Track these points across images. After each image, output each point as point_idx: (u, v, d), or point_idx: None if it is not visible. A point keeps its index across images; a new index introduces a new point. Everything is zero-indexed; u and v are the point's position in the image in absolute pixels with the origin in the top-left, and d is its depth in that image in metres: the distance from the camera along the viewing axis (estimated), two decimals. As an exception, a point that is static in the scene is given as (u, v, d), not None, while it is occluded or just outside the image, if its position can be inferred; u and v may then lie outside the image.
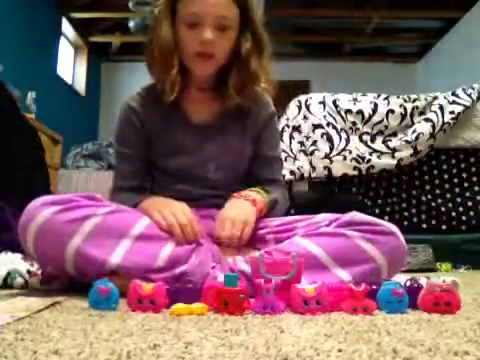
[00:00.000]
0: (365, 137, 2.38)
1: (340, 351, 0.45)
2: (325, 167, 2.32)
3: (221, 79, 1.12)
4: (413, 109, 2.38)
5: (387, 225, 0.92)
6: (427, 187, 2.43)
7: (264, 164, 1.20)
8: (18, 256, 1.13)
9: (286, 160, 2.34)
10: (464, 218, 2.34)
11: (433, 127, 2.28)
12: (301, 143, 2.42)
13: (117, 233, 0.87)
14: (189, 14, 1.02)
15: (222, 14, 1.01)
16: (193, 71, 1.09)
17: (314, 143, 2.36)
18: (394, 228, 0.93)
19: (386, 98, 2.43)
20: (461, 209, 2.36)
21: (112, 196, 1.15)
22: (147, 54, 1.10)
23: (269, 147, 1.21)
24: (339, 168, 2.31)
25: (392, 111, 2.38)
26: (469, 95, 2.34)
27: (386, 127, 2.38)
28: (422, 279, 1.10)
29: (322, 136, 2.34)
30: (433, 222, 2.37)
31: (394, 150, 2.30)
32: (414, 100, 2.41)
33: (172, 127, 1.13)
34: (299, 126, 2.43)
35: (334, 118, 2.40)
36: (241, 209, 1.01)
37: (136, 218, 0.93)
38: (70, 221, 0.84)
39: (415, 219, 2.40)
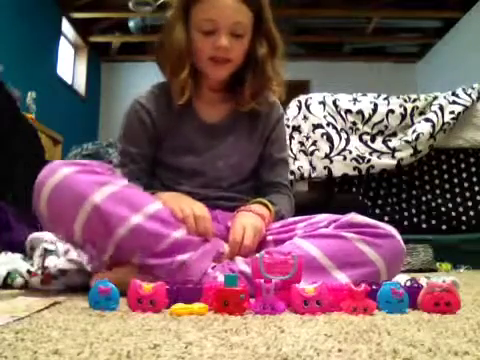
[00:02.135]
0: (365, 137, 2.38)
1: (340, 351, 0.45)
2: (325, 167, 2.33)
3: (234, 81, 1.12)
4: (413, 109, 2.38)
5: (386, 227, 0.92)
6: (427, 187, 2.43)
7: (270, 166, 1.20)
8: (18, 256, 1.13)
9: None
10: (464, 218, 2.34)
11: (433, 127, 2.28)
12: (301, 143, 2.42)
13: (132, 206, 0.87)
14: (203, 20, 1.01)
15: (236, 20, 1.01)
16: (207, 75, 1.10)
17: (314, 143, 2.36)
18: (393, 230, 0.92)
19: (386, 98, 2.43)
20: (461, 209, 2.36)
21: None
22: (159, 55, 1.11)
23: (277, 149, 1.21)
24: (339, 168, 2.31)
25: (392, 111, 2.38)
26: (469, 95, 2.35)
27: (386, 127, 2.38)
28: (422, 279, 1.10)
29: (322, 136, 2.34)
30: (433, 222, 2.37)
31: (394, 150, 2.30)
32: (414, 100, 2.42)
33: (183, 125, 1.13)
34: (299, 126, 2.43)
35: (334, 118, 2.40)
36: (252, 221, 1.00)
37: (151, 198, 0.94)
38: (91, 182, 0.86)
39: (415, 219, 2.40)
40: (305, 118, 2.42)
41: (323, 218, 0.99)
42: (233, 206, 1.10)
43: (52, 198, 0.85)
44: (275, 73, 1.11)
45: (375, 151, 2.33)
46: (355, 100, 2.44)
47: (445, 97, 2.37)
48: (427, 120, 2.31)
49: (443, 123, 2.28)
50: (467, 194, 2.39)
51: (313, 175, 2.37)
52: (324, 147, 2.33)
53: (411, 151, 2.29)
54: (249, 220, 0.99)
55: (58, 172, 0.85)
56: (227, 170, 1.15)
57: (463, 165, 2.43)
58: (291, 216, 1.19)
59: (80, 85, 5.40)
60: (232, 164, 1.15)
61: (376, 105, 2.40)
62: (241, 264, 0.91)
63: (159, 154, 1.16)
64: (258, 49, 1.07)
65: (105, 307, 0.69)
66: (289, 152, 2.40)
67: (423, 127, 2.29)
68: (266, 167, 1.20)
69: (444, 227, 2.35)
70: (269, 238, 1.03)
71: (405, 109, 2.38)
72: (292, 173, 2.37)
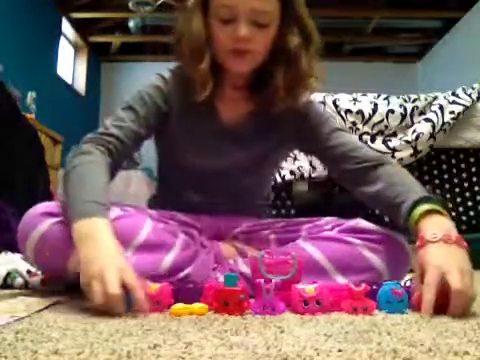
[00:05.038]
0: (365, 137, 2.38)
1: (340, 351, 0.45)
2: (325, 167, 2.32)
3: (259, 78, 1.00)
4: (413, 109, 2.38)
5: (392, 234, 0.90)
6: (427, 187, 2.42)
7: (341, 156, 1.00)
8: (18, 256, 1.13)
9: (286, 160, 2.34)
10: (464, 218, 2.34)
11: (433, 127, 2.28)
12: (301, 143, 2.42)
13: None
14: (222, 8, 0.91)
15: (258, 8, 0.89)
16: (227, 68, 0.98)
17: (314, 143, 2.35)
18: (398, 237, 0.90)
19: (386, 98, 2.43)
20: (461, 209, 2.36)
21: (83, 145, 0.92)
22: (176, 50, 1.00)
23: (326, 138, 1.02)
24: (339, 168, 2.31)
25: (392, 111, 2.38)
26: (469, 95, 2.34)
27: (386, 127, 2.38)
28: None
29: (322, 136, 2.34)
30: (433, 222, 2.37)
31: (394, 150, 2.30)
32: (414, 100, 2.41)
33: (199, 124, 1.03)
34: (299, 126, 2.43)
35: (334, 118, 2.39)
36: (455, 259, 0.73)
37: (139, 225, 0.88)
38: (70, 235, 0.77)
39: (415, 219, 2.39)
40: (305, 118, 2.41)
41: (329, 220, 0.97)
42: (241, 209, 1.07)
43: (37, 255, 0.82)
44: (311, 68, 0.98)
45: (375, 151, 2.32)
46: (355, 100, 2.43)
47: (445, 97, 2.37)
48: (427, 120, 2.30)
49: (443, 123, 2.28)
50: (467, 194, 2.38)
51: (313, 175, 2.36)
52: (324, 147, 2.33)
53: (411, 151, 2.29)
54: (455, 259, 0.72)
55: (37, 227, 0.80)
56: (241, 175, 1.07)
57: (463, 165, 2.43)
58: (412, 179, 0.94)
59: (80, 85, 5.40)
60: (246, 169, 1.06)
61: (376, 105, 2.40)
62: (241, 265, 0.91)
63: (168, 153, 1.09)
64: (290, 39, 0.95)
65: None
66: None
67: (423, 127, 2.29)
68: (337, 160, 1.01)
69: (444, 227, 2.35)
70: (272, 237, 1.02)
71: (405, 109, 2.38)
72: (292, 173, 2.37)
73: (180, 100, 1.01)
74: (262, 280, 0.71)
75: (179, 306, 0.68)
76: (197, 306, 0.68)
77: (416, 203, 0.82)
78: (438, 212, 0.81)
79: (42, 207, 0.84)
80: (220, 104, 1.04)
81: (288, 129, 1.05)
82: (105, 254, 0.70)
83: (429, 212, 0.80)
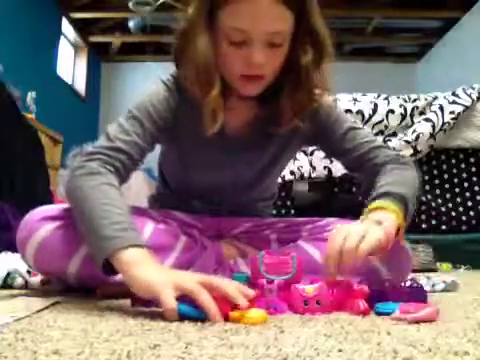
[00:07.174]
0: (365, 137, 2.38)
1: (340, 351, 0.45)
2: (325, 167, 2.32)
3: (268, 90, 0.92)
4: (413, 109, 2.38)
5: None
6: (427, 187, 2.42)
7: (356, 161, 0.98)
8: (18, 256, 1.13)
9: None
10: (464, 218, 2.34)
11: (433, 127, 2.28)
12: (301, 143, 2.42)
13: None
14: (234, 30, 0.81)
15: (275, 29, 0.81)
16: (236, 90, 0.91)
17: (314, 143, 2.36)
18: (402, 241, 0.87)
19: (386, 98, 2.43)
20: (461, 209, 2.36)
21: (90, 164, 0.80)
22: (180, 65, 0.93)
23: (339, 139, 0.98)
24: (339, 168, 2.31)
25: (392, 111, 2.38)
26: (469, 95, 2.34)
27: (386, 127, 2.38)
28: (422, 279, 1.10)
29: (322, 136, 2.34)
30: (433, 222, 2.37)
31: (394, 150, 2.30)
32: (414, 100, 2.42)
33: (204, 139, 0.94)
34: (299, 126, 2.43)
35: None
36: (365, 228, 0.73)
37: (139, 229, 0.83)
38: (70, 240, 0.79)
39: (415, 219, 2.40)
40: (305, 118, 2.41)
41: (330, 221, 0.97)
42: (244, 211, 1.07)
43: (37, 260, 0.81)
44: (322, 81, 0.91)
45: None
46: (355, 100, 2.43)
47: (445, 97, 2.37)
48: (427, 120, 2.31)
49: (443, 123, 2.28)
50: (467, 194, 2.38)
51: (313, 175, 2.36)
52: (324, 147, 2.33)
53: (411, 151, 2.29)
54: (354, 226, 0.75)
55: (36, 233, 0.79)
56: (245, 188, 1.04)
57: (463, 165, 2.43)
58: (415, 181, 0.92)
59: (80, 85, 5.40)
60: (251, 182, 1.03)
61: (376, 105, 2.40)
62: (242, 266, 0.91)
63: (171, 161, 1.06)
64: (301, 56, 0.87)
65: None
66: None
67: (423, 127, 2.29)
68: (351, 164, 1.00)
69: (444, 227, 2.35)
70: (272, 237, 1.02)
71: (405, 109, 2.38)
72: (292, 173, 2.37)
73: (184, 111, 0.95)
74: (265, 280, 0.71)
75: (241, 313, 0.61)
76: (256, 313, 0.62)
77: (372, 200, 0.82)
78: (388, 209, 0.78)
79: (40, 212, 0.82)
80: (225, 114, 0.94)
81: (295, 134, 1.00)
82: (169, 270, 0.70)
83: (376, 209, 0.79)
